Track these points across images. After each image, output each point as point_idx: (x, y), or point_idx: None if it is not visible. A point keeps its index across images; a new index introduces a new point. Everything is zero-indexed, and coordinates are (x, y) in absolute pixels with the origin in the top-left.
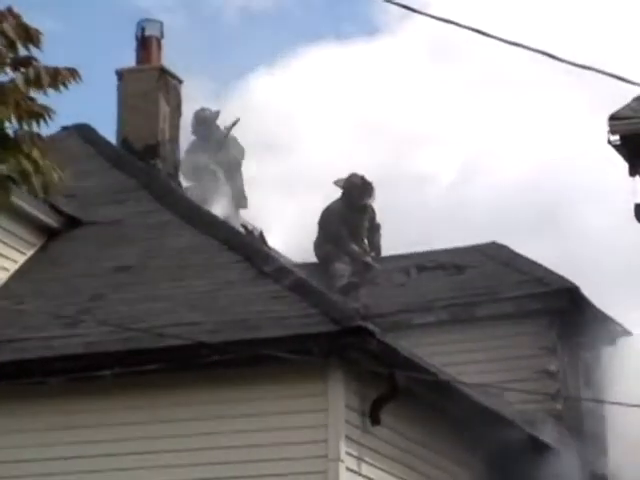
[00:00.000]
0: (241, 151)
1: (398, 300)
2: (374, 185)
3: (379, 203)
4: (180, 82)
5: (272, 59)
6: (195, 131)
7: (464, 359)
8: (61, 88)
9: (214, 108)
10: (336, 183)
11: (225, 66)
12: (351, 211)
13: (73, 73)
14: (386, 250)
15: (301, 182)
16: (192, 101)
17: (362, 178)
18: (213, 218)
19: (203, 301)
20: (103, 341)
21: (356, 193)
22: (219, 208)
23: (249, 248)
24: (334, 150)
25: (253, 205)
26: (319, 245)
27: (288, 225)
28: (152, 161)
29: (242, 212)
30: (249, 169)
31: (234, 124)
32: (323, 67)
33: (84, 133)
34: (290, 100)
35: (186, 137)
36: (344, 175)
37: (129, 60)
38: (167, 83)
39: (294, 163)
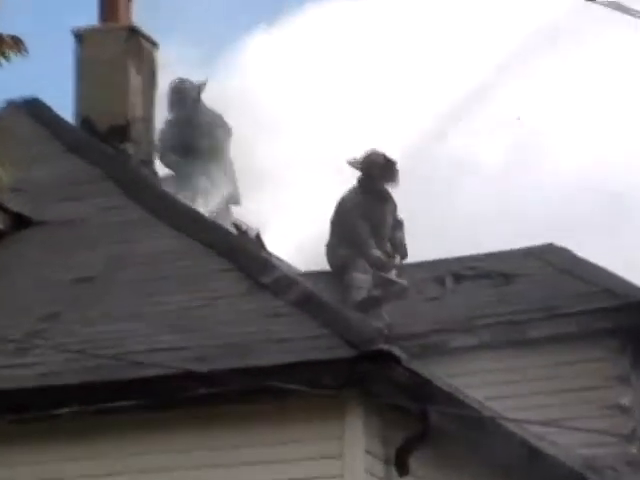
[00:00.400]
0: (227, 131)
1: (431, 318)
2: (398, 167)
3: (404, 193)
4: (155, 46)
5: (273, 16)
6: (172, 108)
7: (513, 391)
8: (1, 60)
9: (198, 78)
10: (351, 163)
11: (213, 26)
12: (371, 200)
13: (17, 43)
14: (415, 255)
15: (308, 167)
16: (171, 70)
17: (384, 156)
18: (197, 216)
19: (186, 320)
20: (60, 371)
21: (377, 175)
22: (205, 203)
23: (243, 253)
24: (346, 126)
25: (248, 199)
26: (332, 249)
27: (292, 224)
28: (120, 145)
29: (234, 209)
30: (242, 154)
31: (201, 88)
32: (333, 24)
33: (34, 110)
34: (292, 65)
35: (163, 115)
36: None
37: (90, 18)
38: (138, 47)
39: (298, 143)
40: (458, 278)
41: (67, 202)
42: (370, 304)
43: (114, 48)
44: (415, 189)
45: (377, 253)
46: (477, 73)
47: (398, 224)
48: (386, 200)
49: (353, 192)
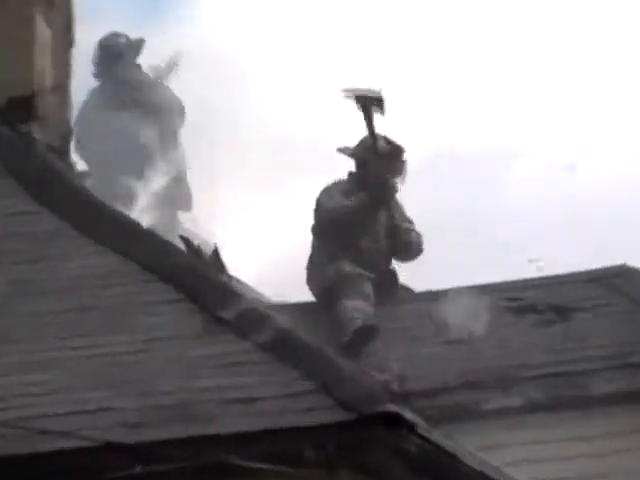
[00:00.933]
0: (179, 111)
1: (456, 367)
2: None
3: (421, 195)
4: None
5: None
6: (100, 73)
7: (573, 469)
8: None
9: (134, 34)
10: (342, 150)
11: None
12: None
13: None
14: (433, 279)
15: (285, 161)
16: (94, 23)
17: (385, 138)
18: (133, 227)
19: (115, 370)
20: None
21: (376, 164)
22: (142, 209)
23: (195, 278)
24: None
25: (201, 205)
26: (314, 269)
27: (261, 236)
28: (23, 125)
29: (182, 216)
30: (196, 144)
31: (173, 65)
32: None
33: None
34: (263, 18)
35: (84, 83)
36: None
37: None
38: None
39: (268, 129)
40: (495, 312)
41: None
42: (364, 338)
43: None
44: (431, 189)
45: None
46: None
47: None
48: (387, 196)
49: (341, 184)
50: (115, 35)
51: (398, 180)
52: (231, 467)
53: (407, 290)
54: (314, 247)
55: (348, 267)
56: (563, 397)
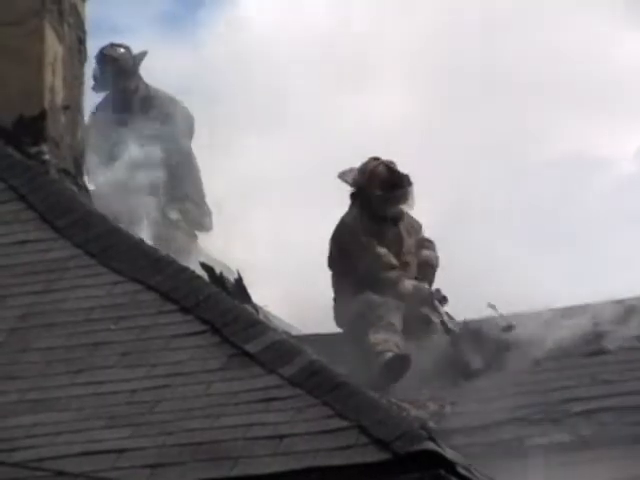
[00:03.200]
0: (189, 126)
1: (502, 402)
2: (408, 176)
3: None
4: None
5: None
6: (101, 86)
7: None
8: None
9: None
10: (342, 176)
11: None
12: (379, 223)
13: None
14: (474, 305)
15: (311, 174)
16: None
17: (389, 165)
18: (151, 253)
19: (134, 409)
20: None
21: (378, 191)
22: (158, 233)
23: (218, 308)
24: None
25: (222, 227)
26: (339, 302)
27: (287, 262)
28: (32, 147)
29: (202, 239)
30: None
31: (140, 57)
32: None
33: None
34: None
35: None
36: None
37: None
38: (59, 1)
39: (299, 142)
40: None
41: None
42: (394, 371)
43: (21, 2)
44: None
45: (409, 285)
46: None
47: (425, 243)
48: (395, 224)
49: (352, 214)
50: (116, 46)
51: (405, 206)
52: None
53: (450, 318)
54: (334, 280)
55: (373, 298)
56: (612, 433)
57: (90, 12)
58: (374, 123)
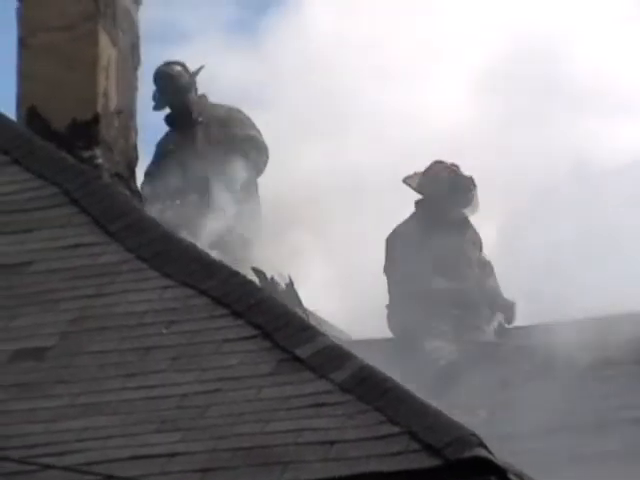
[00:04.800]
0: (261, 150)
1: (551, 409)
2: (472, 179)
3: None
4: (137, 3)
5: None
6: (161, 105)
7: None
8: None
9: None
10: (407, 181)
11: None
12: (438, 231)
13: None
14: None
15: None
16: (160, 38)
17: (452, 168)
18: (203, 258)
19: (185, 414)
20: None
21: (443, 196)
22: (212, 240)
23: (269, 313)
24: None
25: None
26: (392, 309)
27: (339, 268)
28: (85, 152)
29: (256, 247)
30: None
31: (196, 73)
32: None
33: None
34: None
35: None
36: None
37: None
38: (113, 5)
39: (357, 154)
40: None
41: (6, 237)
42: (446, 378)
43: (75, 7)
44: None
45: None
46: None
47: (485, 267)
48: (461, 230)
49: (410, 223)
50: (172, 64)
51: (469, 210)
52: None
53: (500, 325)
54: (389, 287)
55: (426, 305)
56: None
57: (156, 17)
58: (436, 128)
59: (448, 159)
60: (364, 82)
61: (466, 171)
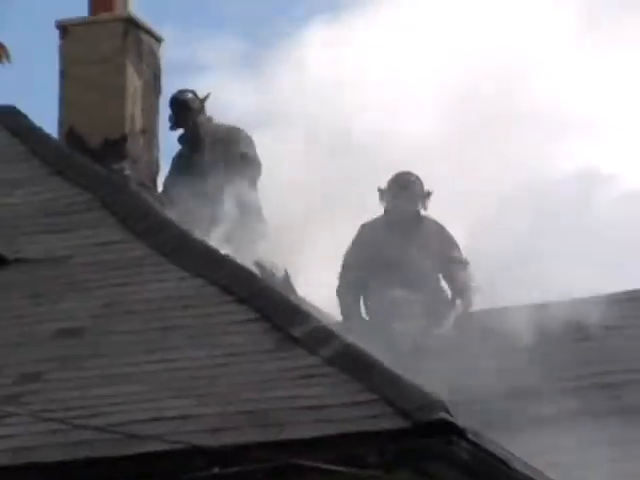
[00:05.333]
0: (254, 166)
1: (504, 378)
2: (430, 189)
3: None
4: (159, 41)
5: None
6: (174, 125)
7: (617, 472)
8: None
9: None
10: (381, 192)
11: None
12: (400, 234)
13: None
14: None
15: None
16: (181, 70)
17: (408, 174)
18: (213, 253)
19: (197, 383)
20: (40, 446)
21: (402, 198)
22: (219, 238)
23: (269, 299)
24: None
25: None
26: (370, 294)
27: (328, 261)
28: (116, 164)
29: (258, 244)
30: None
31: (205, 99)
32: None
33: (9, 120)
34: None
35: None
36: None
37: (79, 7)
38: (139, 42)
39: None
40: (538, 329)
41: (50, 235)
42: (413, 356)
43: (109, 44)
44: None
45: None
46: None
47: (458, 261)
48: (417, 228)
49: (379, 221)
50: (184, 91)
51: (414, 204)
52: (300, 468)
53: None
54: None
55: (397, 293)
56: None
57: (178, 54)
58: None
59: (418, 170)
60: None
61: (434, 180)
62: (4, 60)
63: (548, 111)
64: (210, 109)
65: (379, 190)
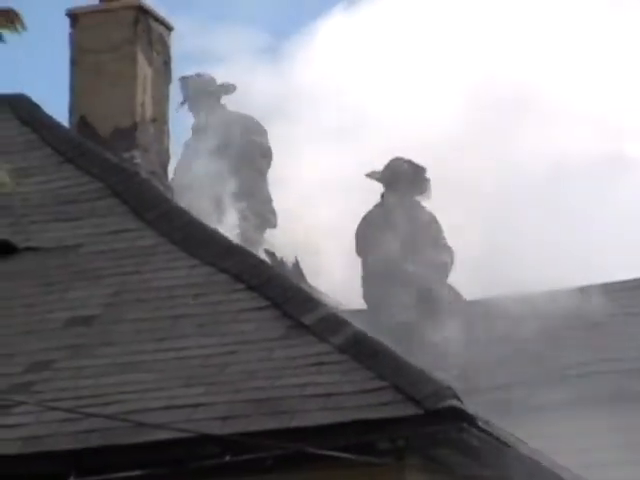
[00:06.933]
0: (262, 145)
1: (509, 366)
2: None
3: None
4: (169, 29)
5: None
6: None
7: (615, 458)
8: None
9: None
10: (370, 175)
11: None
12: (400, 216)
13: (12, 17)
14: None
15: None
16: (188, 59)
17: (410, 162)
18: (223, 241)
19: (208, 371)
20: (50, 435)
21: (403, 186)
22: (230, 226)
23: (279, 287)
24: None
25: (286, 223)
26: (367, 284)
27: (339, 252)
28: (126, 153)
29: (268, 233)
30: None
31: (227, 86)
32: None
33: (20, 108)
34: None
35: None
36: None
37: None
38: (149, 31)
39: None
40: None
41: (61, 224)
42: (409, 344)
43: (118, 33)
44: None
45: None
46: None
47: (442, 248)
48: (417, 215)
49: (376, 210)
50: (198, 76)
51: (423, 198)
52: (311, 456)
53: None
54: (363, 265)
55: (394, 285)
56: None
57: (198, 44)
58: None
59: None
60: (370, 97)
61: (446, 173)
62: (19, 28)
63: (565, 101)
64: (228, 98)
65: (370, 175)
